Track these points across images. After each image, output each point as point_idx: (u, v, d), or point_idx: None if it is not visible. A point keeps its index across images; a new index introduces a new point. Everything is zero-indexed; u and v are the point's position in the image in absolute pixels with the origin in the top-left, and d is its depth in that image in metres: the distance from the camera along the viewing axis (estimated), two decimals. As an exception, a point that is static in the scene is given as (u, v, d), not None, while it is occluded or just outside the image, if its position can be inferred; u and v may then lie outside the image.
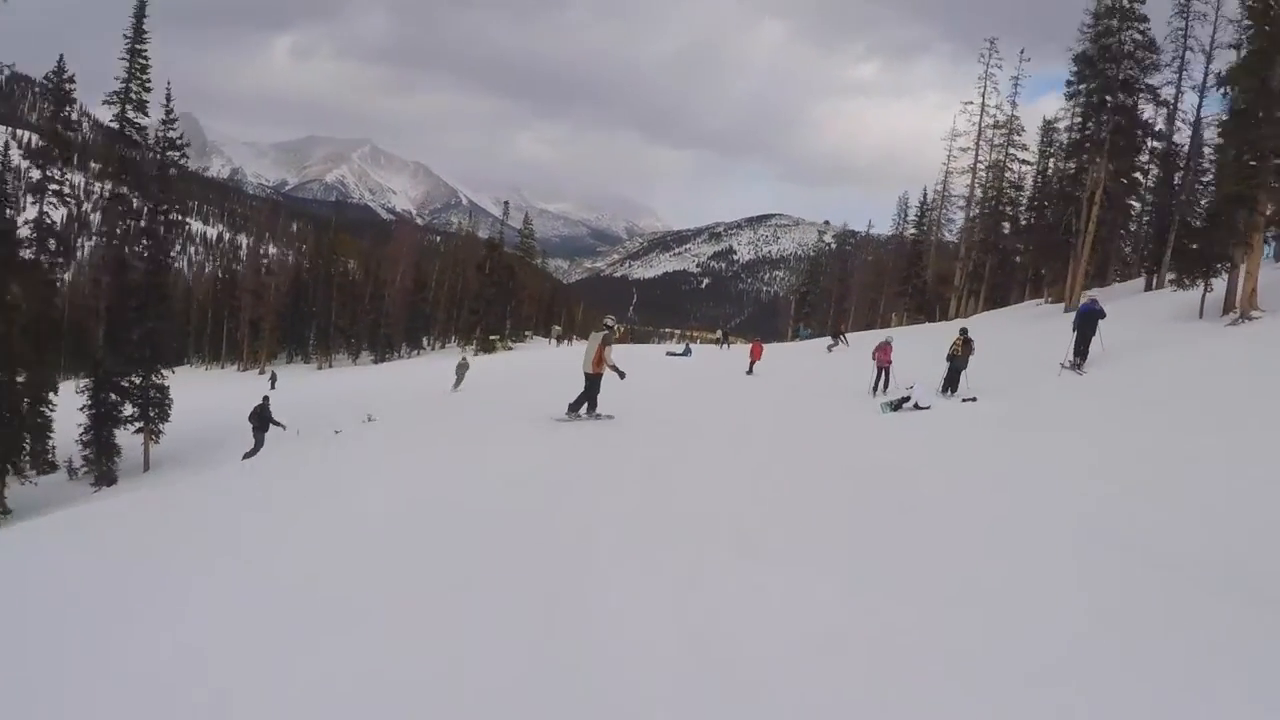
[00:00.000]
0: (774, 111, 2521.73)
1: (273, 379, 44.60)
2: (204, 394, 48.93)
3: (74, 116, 27.17)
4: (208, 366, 73.46)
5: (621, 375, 11.83)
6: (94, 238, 67.06)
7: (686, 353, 38.98)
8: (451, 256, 79.99)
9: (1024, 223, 44.01)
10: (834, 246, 77.43)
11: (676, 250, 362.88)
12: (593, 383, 11.72)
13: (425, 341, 73.38)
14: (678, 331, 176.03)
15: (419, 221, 68.87)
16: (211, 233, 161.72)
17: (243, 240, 71.60)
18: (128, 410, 24.17)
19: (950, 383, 15.40)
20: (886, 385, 16.43)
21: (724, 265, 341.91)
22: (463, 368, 27.75)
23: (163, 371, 24.95)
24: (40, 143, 26.29)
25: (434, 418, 16.19)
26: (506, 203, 78.97)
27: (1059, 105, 41.64)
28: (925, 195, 55.19)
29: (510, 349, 63.02)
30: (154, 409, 24.46)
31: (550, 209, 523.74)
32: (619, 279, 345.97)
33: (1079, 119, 30.91)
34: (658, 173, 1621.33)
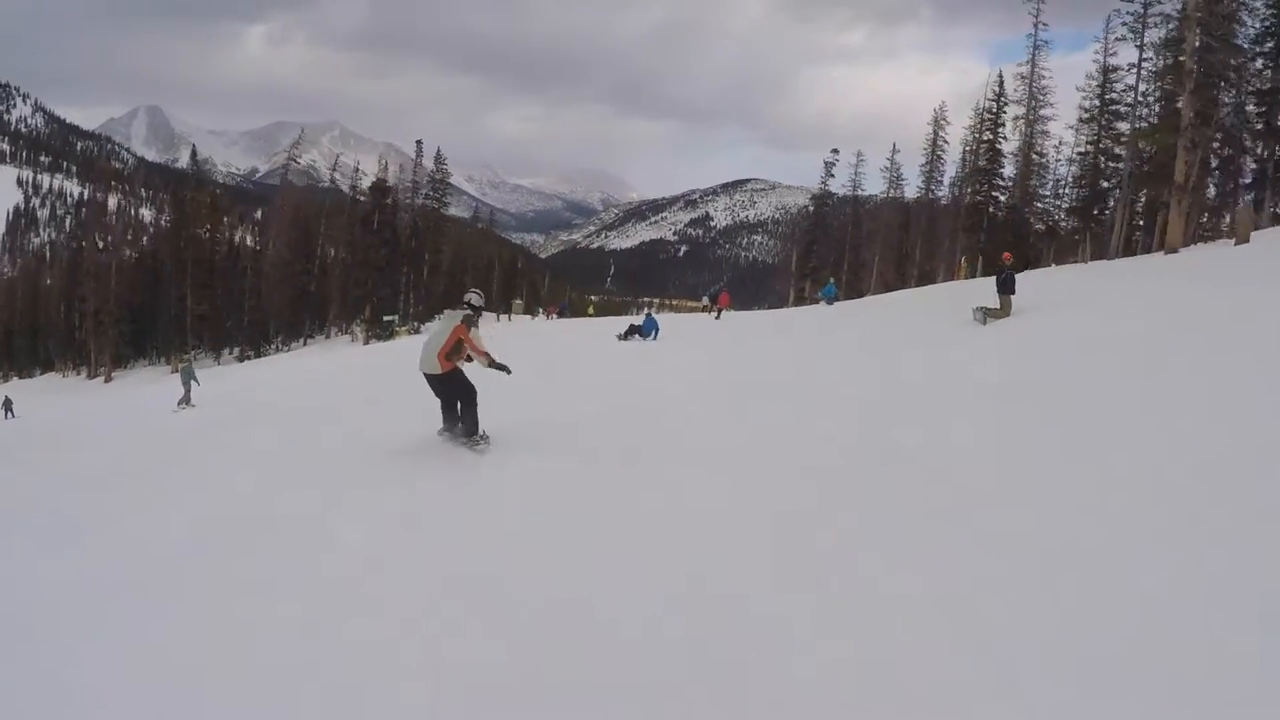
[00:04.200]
0: (752, 81, 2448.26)
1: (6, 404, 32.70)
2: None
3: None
4: (64, 374, 59.94)
5: (506, 370, 7.28)
6: None
7: (648, 329, 21.76)
8: (347, 216, 58.32)
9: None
10: (812, 209, 56.95)
11: (653, 219, 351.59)
12: (449, 389, 7.11)
13: (319, 328, 59.12)
14: (655, 300, 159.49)
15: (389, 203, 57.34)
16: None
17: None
18: None
19: None
20: None
21: (701, 232, 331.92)
22: (187, 374, 19.27)
23: None
24: None
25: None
26: (419, 142, 60.52)
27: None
28: (999, 88, 42.27)
29: (418, 333, 46.93)
30: None
31: (524, 183, 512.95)
32: (595, 249, 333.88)
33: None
34: (633, 144, 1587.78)
